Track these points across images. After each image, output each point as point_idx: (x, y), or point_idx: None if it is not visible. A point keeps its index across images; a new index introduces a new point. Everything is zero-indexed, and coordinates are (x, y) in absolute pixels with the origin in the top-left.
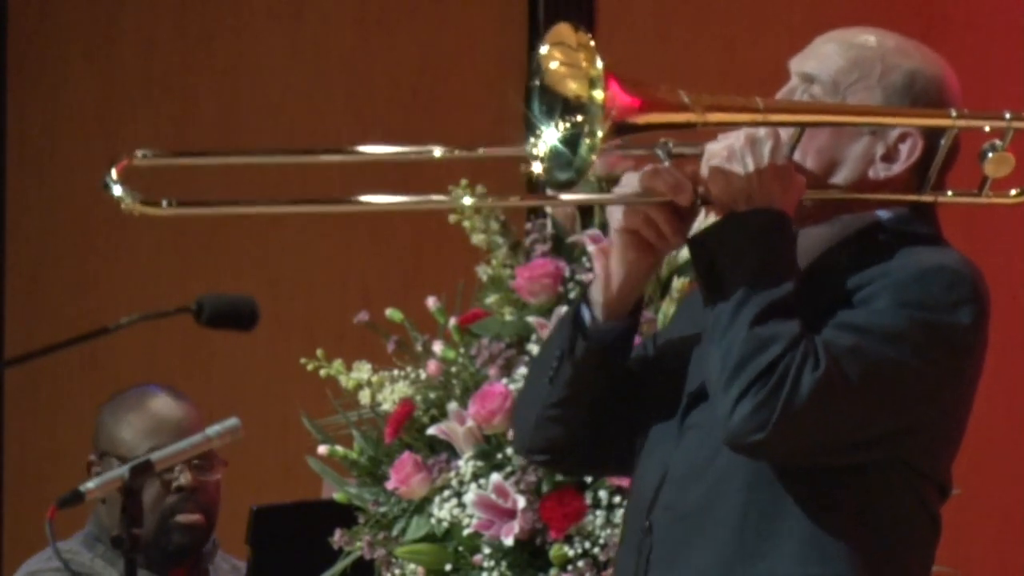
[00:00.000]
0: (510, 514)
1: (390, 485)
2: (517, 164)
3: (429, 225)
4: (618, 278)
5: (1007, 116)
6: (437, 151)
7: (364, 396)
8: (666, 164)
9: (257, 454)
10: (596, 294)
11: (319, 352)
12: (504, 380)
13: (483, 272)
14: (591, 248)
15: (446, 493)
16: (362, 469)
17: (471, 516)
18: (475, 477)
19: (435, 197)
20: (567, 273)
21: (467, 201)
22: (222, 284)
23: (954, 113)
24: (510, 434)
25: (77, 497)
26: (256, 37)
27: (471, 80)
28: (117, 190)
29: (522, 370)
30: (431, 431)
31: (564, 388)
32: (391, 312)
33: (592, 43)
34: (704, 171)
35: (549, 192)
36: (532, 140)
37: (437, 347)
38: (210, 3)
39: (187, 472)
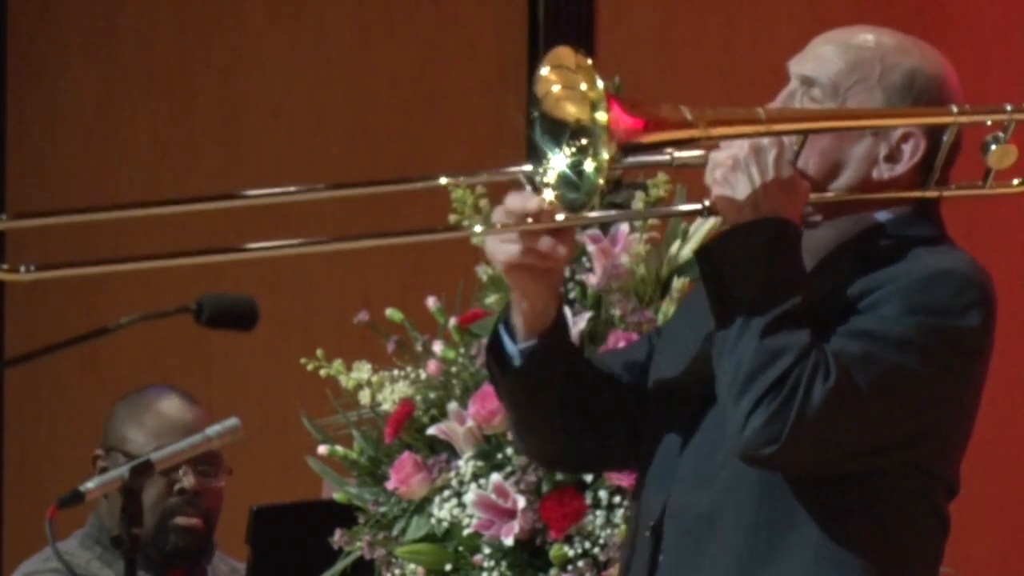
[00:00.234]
0: (510, 514)
1: (390, 485)
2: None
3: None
4: (525, 306)
5: (1008, 109)
6: (443, 179)
7: (364, 396)
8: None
9: (257, 454)
10: (514, 319)
11: (319, 352)
12: None
13: (483, 272)
14: (591, 248)
15: (446, 493)
16: (362, 469)
17: (471, 516)
18: (475, 477)
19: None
20: (567, 273)
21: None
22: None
23: (955, 109)
24: (510, 434)
25: (77, 497)
26: (256, 37)
27: (471, 80)
28: None
29: None
30: (431, 431)
31: (514, 409)
32: (391, 312)
33: (591, 63)
34: (708, 181)
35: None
36: (540, 169)
37: (437, 347)
38: (210, 3)
39: (191, 475)
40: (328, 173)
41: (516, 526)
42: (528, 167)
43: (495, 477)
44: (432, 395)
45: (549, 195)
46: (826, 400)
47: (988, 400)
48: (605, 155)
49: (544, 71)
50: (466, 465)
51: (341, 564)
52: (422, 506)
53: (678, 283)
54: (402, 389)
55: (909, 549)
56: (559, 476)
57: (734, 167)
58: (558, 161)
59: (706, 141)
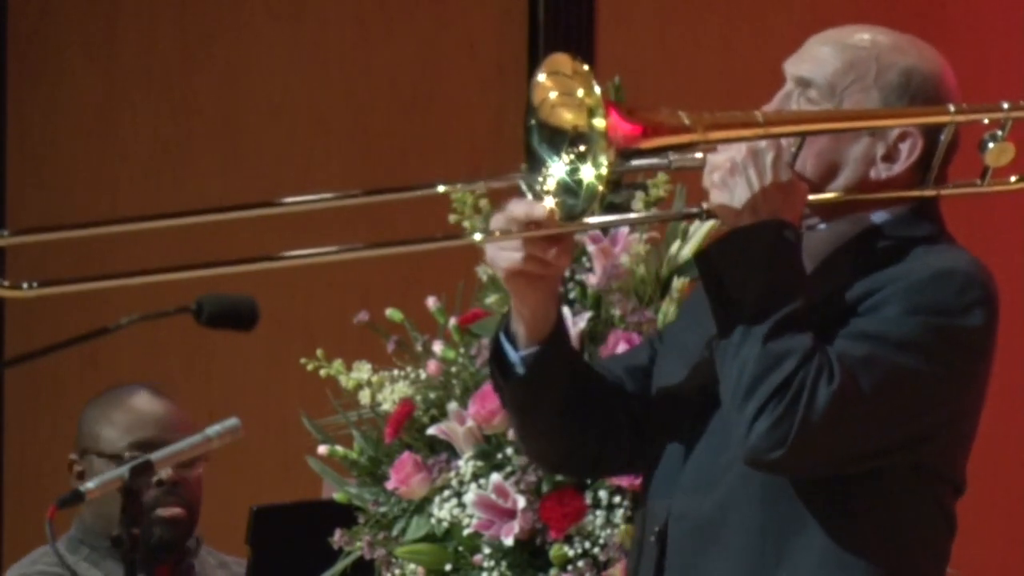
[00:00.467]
0: (510, 514)
1: (390, 485)
2: (516, 163)
3: (429, 225)
4: (526, 314)
5: (1005, 107)
6: (441, 187)
7: (364, 396)
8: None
9: (257, 454)
10: (514, 327)
11: (319, 352)
12: None
13: (483, 272)
14: (591, 248)
15: (446, 493)
16: (362, 469)
17: (471, 516)
18: (475, 477)
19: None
20: (567, 273)
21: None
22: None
23: (952, 108)
24: (510, 434)
25: (77, 497)
26: (256, 37)
27: (471, 80)
28: None
29: None
30: (431, 431)
31: (518, 415)
32: (391, 312)
33: (587, 69)
34: (707, 184)
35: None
36: (540, 179)
37: (437, 347)
38: (210, 3)
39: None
40: (328, 173)
41: (516, 526)
42: (524, 174)
43: (495, 477)
44: (432, 395)
45: (549, 202)
46: (831, 403)
47: (988, 400)
48: (604, 161)
49: (540, 78)
50: (466, 465)
51: (341, 564)
52: (422, 506)
53: (678, 283)
54: (402, 389)
55: (916, 550)
56: (559, 476)
57: (732, 171)
58: (557, 168)
59: (704, 145)
